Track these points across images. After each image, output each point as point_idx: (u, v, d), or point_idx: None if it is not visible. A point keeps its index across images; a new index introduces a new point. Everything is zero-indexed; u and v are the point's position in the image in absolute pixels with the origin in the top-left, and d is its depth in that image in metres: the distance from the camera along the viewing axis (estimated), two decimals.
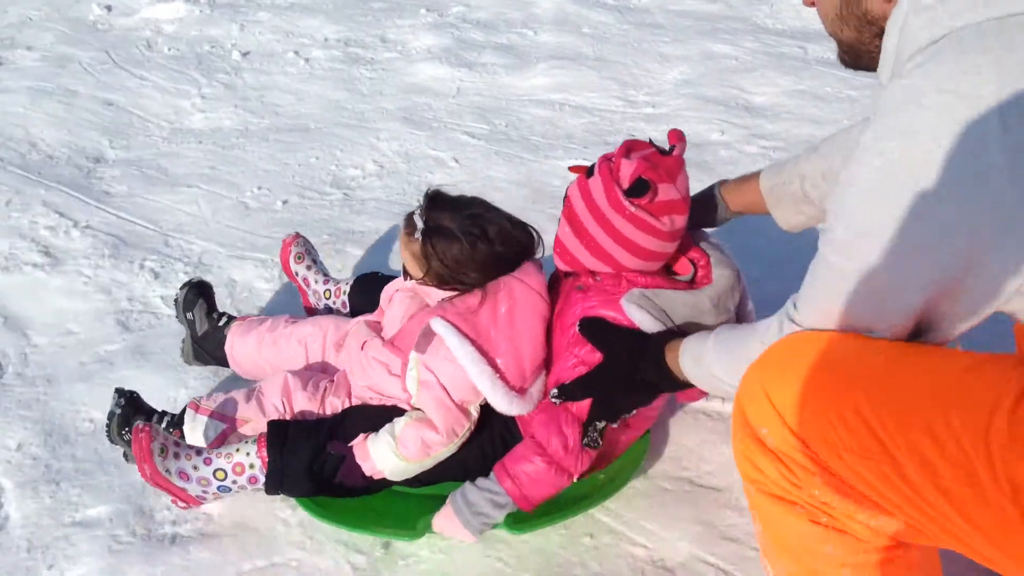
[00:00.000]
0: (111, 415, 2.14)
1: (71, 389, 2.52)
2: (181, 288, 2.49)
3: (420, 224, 1.94)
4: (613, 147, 1.92)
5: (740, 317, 1.98)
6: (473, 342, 1.88)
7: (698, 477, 2.17)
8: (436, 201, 1.97)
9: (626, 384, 1.79)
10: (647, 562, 1.95)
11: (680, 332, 1.79)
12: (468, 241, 1.91)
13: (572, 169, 1.88)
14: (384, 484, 1.99)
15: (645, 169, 1.77)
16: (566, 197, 1.90)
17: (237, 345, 2.37)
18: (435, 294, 2.03)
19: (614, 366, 1.79)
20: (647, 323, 1.81)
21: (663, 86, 4.13)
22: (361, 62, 4.20)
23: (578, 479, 1.90)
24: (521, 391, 1.90)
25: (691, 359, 1.67)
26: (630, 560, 1.95)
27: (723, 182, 2.20)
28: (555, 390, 1.83)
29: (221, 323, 2.43)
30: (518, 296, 1.92)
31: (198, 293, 2.46)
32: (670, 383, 1.74)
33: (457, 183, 3.32)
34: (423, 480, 1.99)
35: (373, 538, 1.99)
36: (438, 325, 1.90)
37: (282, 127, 3.78)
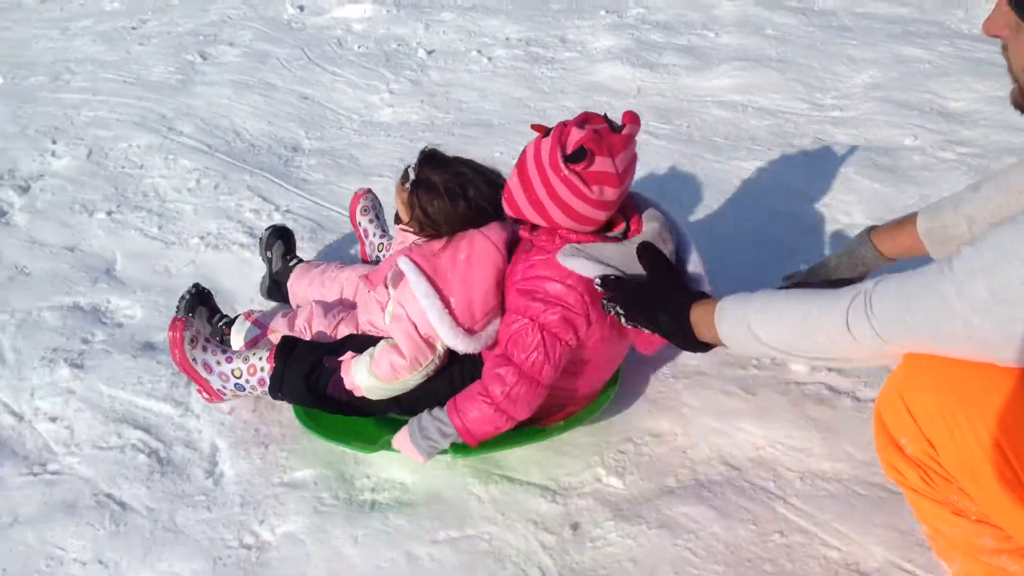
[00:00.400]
0: (181, 298, 2.60)
1: None
2: (266, 230, 2.83)
3: (412, 176, 2.17)
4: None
5: (681, 265, 2.09)
6: (429, 279, 2.09)
7: (893, 484, 2.11)
8: (430, 159, 2.19)
9: (654, 303, 1.91)
10: (841, 565, 1.91)
11: (700, 294, 1.90)
12: (450, 197, 2.13)
13: (533, 127, 2.03)
14: (369, 408, 2.24)
15: (588, 140, 1.90)
16: (523, 151, 2.04)
17: (294, 283, 2.70)
18: (411, 238, 2.26)
19: (655, 285, 1.95)
20: (586, 268, 1.98)
21: (851, 89, 4.02)
22: (542, 61, 4.27)
23: (536, 428, 2.18)
24: (469, 331, 2.08)
25: (731, 318, 1.72)
26: (823, 561, 1.92)
27: (873, 229, 2.22)
28: (598, 278, 1.98)
29: (291, 264, 2.77)
30: (477, 247, 2.12)
31: (278, 236, 2.81)
32: (683, 338, 1.85)
33: (637, 180, 3.33)
34: (403, 410, 2.22)
35: (561, 519, 2.03)
36: (403, 262, 2.13)
37: (466, 122, 3.88)
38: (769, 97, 3.97)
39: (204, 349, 2.34)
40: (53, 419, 2.57)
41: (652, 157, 3.49)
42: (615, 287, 1.96)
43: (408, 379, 2.14)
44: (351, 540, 2.02)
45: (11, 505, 2.28)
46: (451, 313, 2.07)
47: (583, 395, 2.26)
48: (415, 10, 4.90)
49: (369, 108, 4.07)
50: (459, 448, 2.12)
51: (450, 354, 2.18)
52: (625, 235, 2.07)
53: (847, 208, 3.07)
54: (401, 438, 2.11)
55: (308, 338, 2.42)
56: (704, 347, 1.84)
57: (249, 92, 4.21)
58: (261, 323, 2.55)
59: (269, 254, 2.81)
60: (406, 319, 2.13)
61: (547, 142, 1.95)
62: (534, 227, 2.09)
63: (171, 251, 3.24)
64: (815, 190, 3.18)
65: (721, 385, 2.41)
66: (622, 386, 2.38)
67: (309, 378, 2.24)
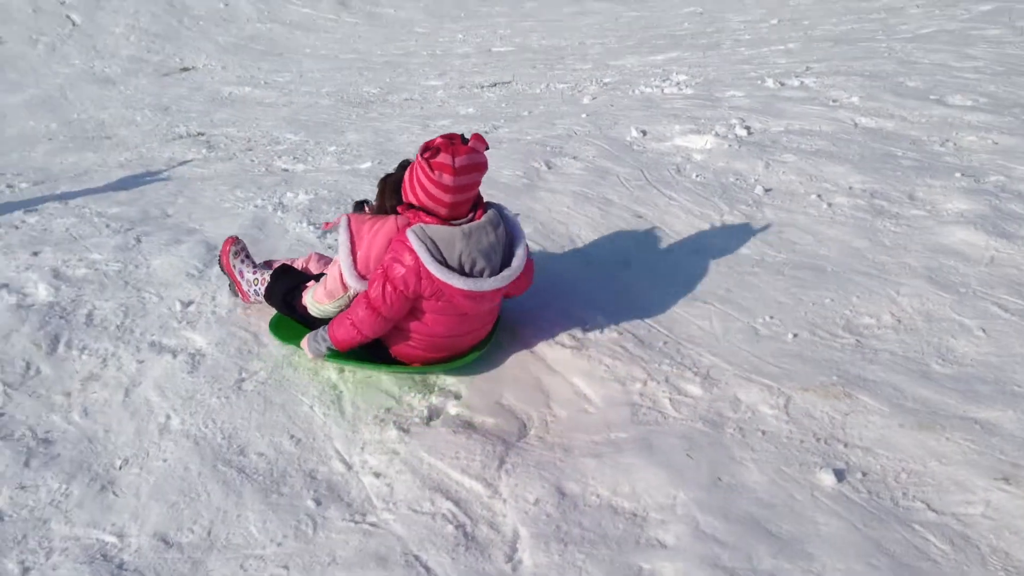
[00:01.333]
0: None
1: (582, 463, 2.72)
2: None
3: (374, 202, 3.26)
4: None
5: (509, 248, 3.05)
6: (351, 234, 3.06)
7: None
8: (393, 178, 3.16)
9: None
10: None
11: None
12: (396, 200, 3.06)
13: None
14: (314, 324, 3.28)
15: (441, 142, 2.85)
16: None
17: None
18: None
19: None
20: (415, 243, 2.85)
21: None
22: (886, 215, 4.15)
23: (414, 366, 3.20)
24: (362, 275, 3.05)
25: None
26: None
27: None
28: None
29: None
30: (387, 223, 3.04)
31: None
32: None
33: (983, 355, 3.11)
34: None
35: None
36: (343, 220, 3.10)
37: (798, 263, 3.82)
38: None
39: (242, 261, 3.64)
40: (377, 475, 2.75)
41: (1001, 335, 3.25)
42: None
43: (327, 306, 3.19)
44: None
45: (332, 546, 2.46)
46: (354, 259, 3.04)
47: (435, 345, 3.13)
48: (757, 148, 4.95)
49: (700, 235, 4.12)
50: (334, 354, 3.17)
51: None
52: (469, 223, 2.93)
53: None
54: (304, 340, 3.21)
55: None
56: None
57: (587, 203, 4.41)
58: (284, 259, 3.68)
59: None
60: (335, 264, 3.12)
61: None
62: (411, 208, 2.95)
63: (499, 339, 3.41)
64: None
65: None
66: None
67: (287, 295, 3.38)
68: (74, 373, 3.33)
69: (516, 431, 2.92)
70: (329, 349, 3.14)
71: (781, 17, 9.45)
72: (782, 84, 6.18)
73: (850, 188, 4.42)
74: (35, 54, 13.77)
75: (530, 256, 3.14)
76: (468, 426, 2.94)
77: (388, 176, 3.20)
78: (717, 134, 5.17)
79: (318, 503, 2.65)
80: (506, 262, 3.03)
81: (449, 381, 3.19)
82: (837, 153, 4.82)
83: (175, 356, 3.40)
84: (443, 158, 2.81)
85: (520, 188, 4.68)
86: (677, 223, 4.25)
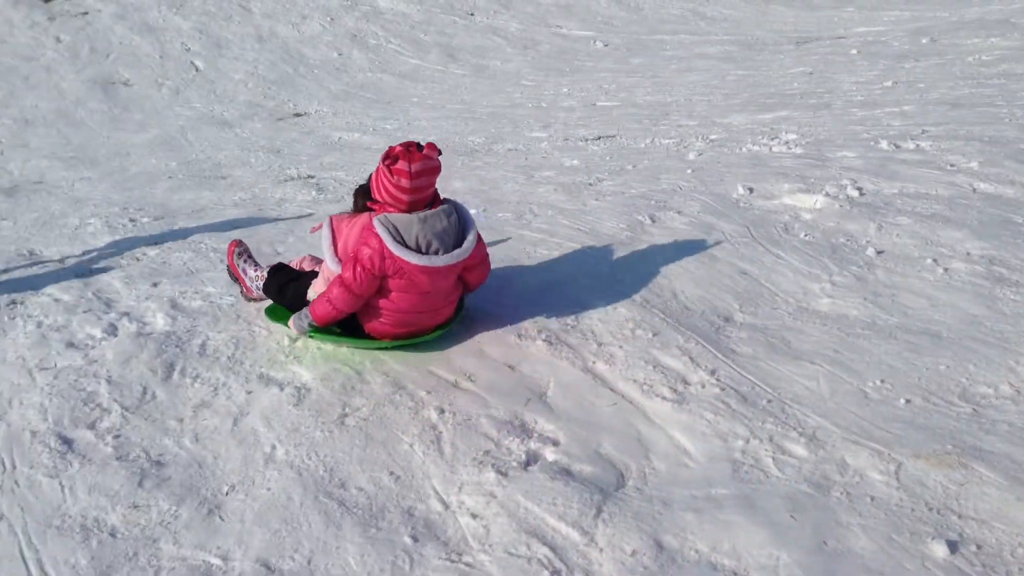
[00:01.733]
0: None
1: (681, 516, 2.67)
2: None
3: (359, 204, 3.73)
4: None
5: (463, 235, 3.61)
6: (333, 228, 3.68)
7: None
8: (363, 187, 3.72)
9: None
10: None
11: None
12: (367, 199, 3.63)
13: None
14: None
15: (400, 151, 3.39)
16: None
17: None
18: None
19: None
20: (379, 228, 3.40)
21: None
22: (1005, 283, 4.00)
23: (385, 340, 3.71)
24: (341, 260, 3.60)
25: None
26: None
27: None
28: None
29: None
30: (362, 218, 3.58)
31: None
32: None
33: None
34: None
35: None
36: (326, 220, 3.74)
37: (911, 328, 3.72)
38: None
39: (245, 261, 4.15)
40: (474, 515, 2.76)
41: None
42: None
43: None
44: None
45: None
46: (334, 246, 3.63)
47: (402, 321, 3.64)
48: (869, 209, 4.85)
49: (807, 295, 4.05)
50: (315, 329, 3.67)
51: None
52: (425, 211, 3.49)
53: None
54: (291, 320, 3.72)
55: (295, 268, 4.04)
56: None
57: (691, 259, 4.38)
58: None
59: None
60: (325, 267, 3.69)
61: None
62: (377, 203, 3.53)
63: (598, 388, 3.41)
64: None
65: None
66: None
67: (282, 287, 3.90)
68: (187, 400, 3.45)
69: (614, 481, 2.90)
70: (311, 325, 3.65)
71: (896, 79, 9.30)
72: (897, 146, 6.06)
73: (968, 254, 4.29)
74: (160, 97, 14.47)
75: (486, 246, 3.83)
76: (566, 473, 2.93)
77: (360, 186, 3.74)
78: (827, 194, 5.09)
79: (415, 540, 2.67)
80: (459, 245, 3.57)
81: (548, 428, 3.19)
82: (954, 218, 4.69)
83: (282, 389, 3.49)
84: (401, 165, 3.39)
85: (623, 240, 4.68)
86: (784, 282, 4.19)
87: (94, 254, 5.45)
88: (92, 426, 3.29)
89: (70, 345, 3.88)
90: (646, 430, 3.16)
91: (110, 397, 3.45)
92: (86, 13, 17.11)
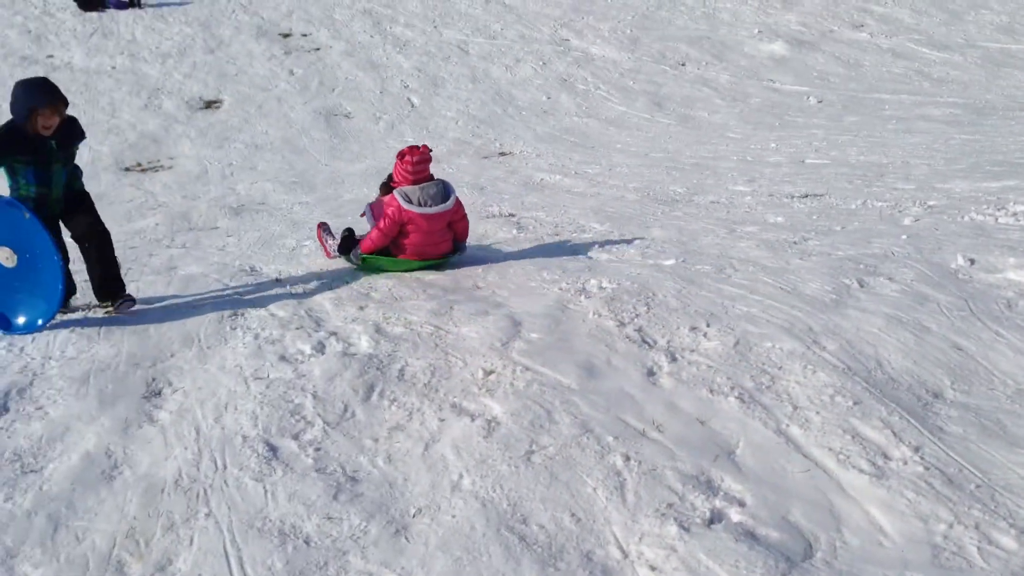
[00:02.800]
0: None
1: None
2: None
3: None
4: None
5: (447, 196, 5.82)
6: (372, 208, 5.91)
7: None
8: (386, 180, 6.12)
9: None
10: None
11: None
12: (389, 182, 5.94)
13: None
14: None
15: (407, 150, 5.81)
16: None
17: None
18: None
19: None
20: (397, 195, 5.69)
21: None
22: None
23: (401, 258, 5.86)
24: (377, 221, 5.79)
25: None
26: None
27: None
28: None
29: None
30: (389, 197, 5.75)
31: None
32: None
33: None
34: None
35: None
36: (367, 204, 6.08)
37: None
38: None
39: (327, 234, 6.27)
40: (652, 568, 2.73)
41: None
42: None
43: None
44: None
45: None
46: (373, 214, 5.79)
47: (419, 253, 5.75)
48: None
49: None
50: (365, 259, 5.77)
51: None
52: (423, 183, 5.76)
53: None
54: (350, 253, 5.87)
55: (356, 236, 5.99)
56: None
57: (900, 328, 4.18)
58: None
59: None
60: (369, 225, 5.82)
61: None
62: (395, 183, 5.81)
63: (790, 452, 3.30)
64: None
65: None
66: None
67: (348, 247, 5.89)
68: (383, 421, 3.60)
69: (801, 551, 2.80)
70: (358, 256, 5.78)
71: None
72: None
73: None
74: (376, 130, 15.26)
75: (464, 207, 6.02)
76: (750, 535, 2.85)
77: (383, 182, 6.10)
78: None
79: None
80: (445, 202, 5.75)
81: (735, 487, 3.12)
82: None
83: (473, 420, 3.58)
84: (408, 157, 5.71)
85: (827, 303, 4.52)
86: (1003, 361, 3.92)
87: (307, 274, 5.80)
88: (296, 437, 3.49)
89: (282, 359, 4.14)
90: (839, 502, 3.03)
91: (314, 411, 3.65)
92: (318, 49, 18.33)
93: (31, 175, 4.84)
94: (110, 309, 4.97)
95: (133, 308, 4.96)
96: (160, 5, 20.32)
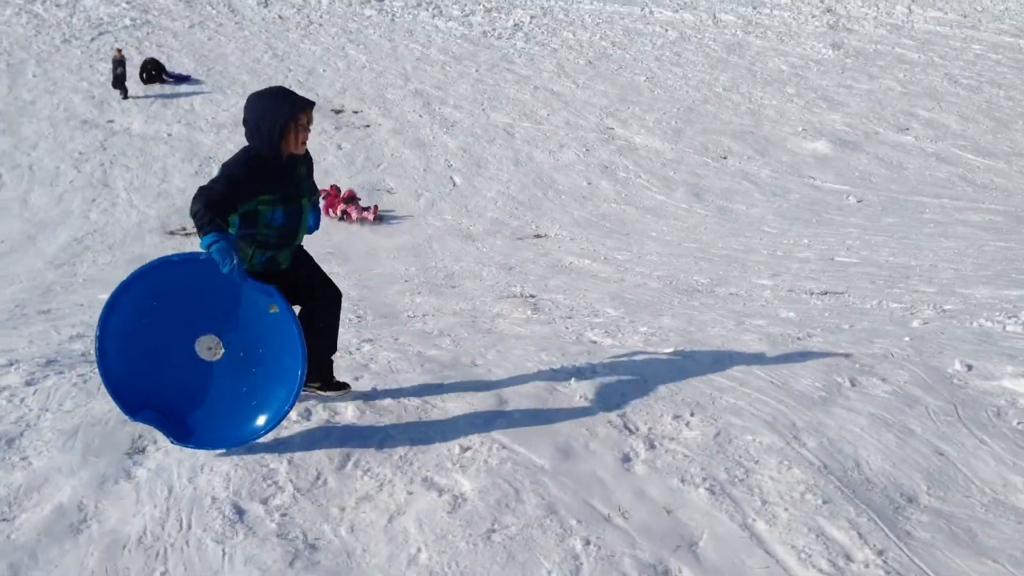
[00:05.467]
0: None
1: None
2: None
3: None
4: None
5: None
6: None
7: None
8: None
9: None
10: None
11: None
12: None
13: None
14: None
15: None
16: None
17: None
18: None
19: None
20: None
21: None
22: None
23: None
24: None
25: None
26: None
27: None
28: None
29: None
30: None
31: None
32: None
33: None
34: None
35: None
36: None
37: None
38: None
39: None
40: None
41: None
42: None
43: None
44: None
45: None
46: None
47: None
48: None
49: (1007, 487, 3.71)
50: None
51: None
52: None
53: None
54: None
55: None
56: None
57: (884, 429, 4.15)
58: None
59: None
60: None
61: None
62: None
63: (752, 548, 3.28)
64: None
65: None
66: None
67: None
68: (353, 491, 3.65)
69: None
70: None
71: None
72: None
73: None
74: (416, 206, 15.57)
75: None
76: None
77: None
78: None
79: None
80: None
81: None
82: None
83: (440, 494, 3.61)
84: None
85: (815, 400, 4.51)
86: (983, 469, 3.86)
87: None
88: (265, 501, 3.55)
89: None
90: None
91: (287, 476, 3.71)
92: (368, 126, 18.85)
93: (279, 216, 3.87)
94: (318, 388, 4.27)
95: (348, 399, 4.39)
96: (222, 85, 21.08)
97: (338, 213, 14.50)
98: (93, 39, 22.83)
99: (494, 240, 13.50)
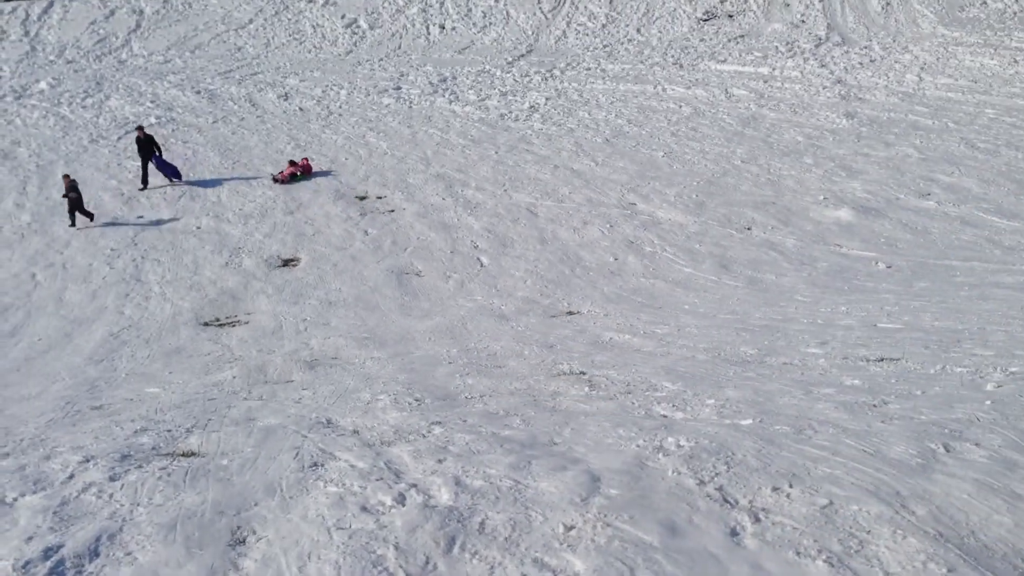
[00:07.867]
0: None
1: None
2: None
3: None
4: None
5: None
6: None
7: None
8: None
9: None
10: None
11: None
12: None
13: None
14: None
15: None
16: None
17: None
18: None
19: None
20: None
21: None
22: None
23: None
24: None
25: None
26: None
27: None
28: None
29: None
30: None
31: None
32: None
33: None
34: None
35: None
36: None
37: None
38: None
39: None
40: None
41: None
42: None
43: None
44: None
45: None
46: None
47: None
48: None
49: None
50: None
51: None
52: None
53: None
54: None
55: None
56: None
57: (992, 495, 4.07)
58: None
59: None
60: None
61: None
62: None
63: None
64: None
65: None
66: None
67: None
68: (465, 574, 3.58)
69: None
70: None
71: None
72: None
73: None
74: (446, 288, 15.62)
75: None
76: None
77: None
78: None
79: None
80: None
81: None
82: None
83: (555, 575, 3.53)
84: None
85: (913, 467, 4.43)
86: None
87: (384, 428, 5.87)
88: None
89: (364, 509, 4.17)
90: None
91: (396, 562, 3.65)
92: (392, 211, 19.04)
93: None
94: None
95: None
96: (247, 178, 21.39)
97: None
98: (120, 138, 23.28)
99: (528, 319, 13.50)
